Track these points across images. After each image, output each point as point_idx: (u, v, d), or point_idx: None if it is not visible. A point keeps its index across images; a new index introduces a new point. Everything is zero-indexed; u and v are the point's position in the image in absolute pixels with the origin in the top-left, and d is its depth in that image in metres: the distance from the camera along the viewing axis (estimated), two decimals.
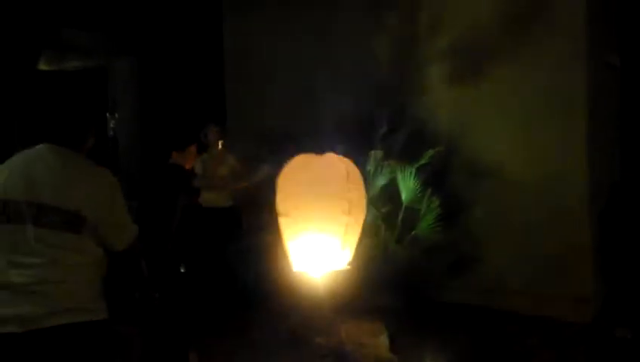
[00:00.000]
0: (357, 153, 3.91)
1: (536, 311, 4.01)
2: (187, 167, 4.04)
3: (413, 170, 3.93)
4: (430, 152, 3.99)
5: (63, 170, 2.19)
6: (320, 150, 3.44)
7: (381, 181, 3.89)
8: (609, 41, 4.61)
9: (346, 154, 3.47)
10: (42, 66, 5.93)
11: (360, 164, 3.86)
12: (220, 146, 4.70)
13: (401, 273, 3.75)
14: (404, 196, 3.87)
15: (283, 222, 3.35)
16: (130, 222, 2.31)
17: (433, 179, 4.05)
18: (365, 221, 3.54)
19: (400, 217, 3.82)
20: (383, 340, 3.53)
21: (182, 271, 4.62)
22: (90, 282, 2.17)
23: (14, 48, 5.20)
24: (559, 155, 4.14)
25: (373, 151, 3.92)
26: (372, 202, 3.79)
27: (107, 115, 6.45)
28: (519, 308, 4.06)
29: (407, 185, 3.90)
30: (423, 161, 3.96)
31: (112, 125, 6.35)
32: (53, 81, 5.98)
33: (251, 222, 4.49)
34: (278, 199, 3.35)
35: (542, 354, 3.58)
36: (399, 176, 3.92)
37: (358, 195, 3.33)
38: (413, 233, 3.88)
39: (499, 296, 4.14)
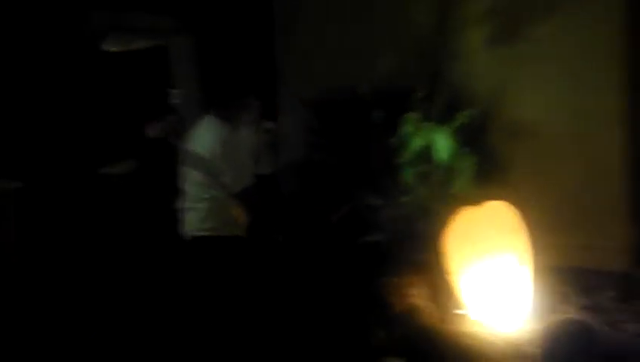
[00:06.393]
0: (395, 116, 4.18)
1: (574, 262, 4.15)
2: None
3: (450, 130, 4.11)
4: (467, 112, 4.15)
5: None
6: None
7: (418, 142, 4.09)
8: None
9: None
10: (109, 48, 6.36)
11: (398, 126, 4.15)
12: None
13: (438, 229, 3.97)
14: (440, 155, 4.06)
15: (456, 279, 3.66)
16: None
17: (471, 140, 4.22)
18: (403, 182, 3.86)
19: (436, 176, 4.02)
20: (423, 291, 3.79)
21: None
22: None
23: (80, 33, 5.64)
24: (597, 113, 4.20)
25: (410, 113, 4.12)
26: (409, 163, 4.03)
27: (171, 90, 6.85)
28: (556, 260, 4.21)
29: (444, 145, 4.09)
30: (460, 121, 4.13)
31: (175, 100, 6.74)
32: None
33: None
34: (446, 258, 3.66)
35: (576, 302, 3.78)
36: (436, 137, 4.11)
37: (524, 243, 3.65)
38: (449, 191, 4.08)
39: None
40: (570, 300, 3.77)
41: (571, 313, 3.43)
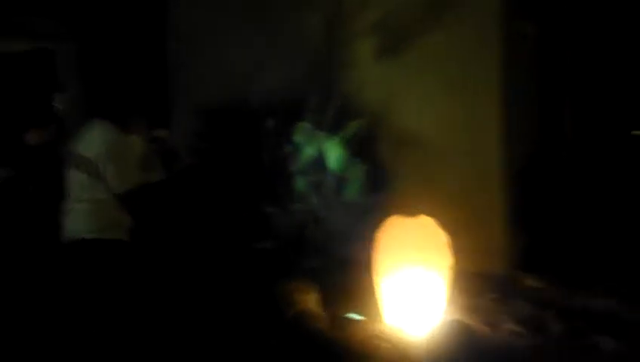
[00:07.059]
0: (287, 125, 4.24)
1: (458, 265, 4.33)
2: None
3: (341, 140, 4.21)
4: (357, 123, 4.27)
5: None
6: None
7: (310, 151, 4.16)
8: (526, 10, 4.89)
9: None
10: None
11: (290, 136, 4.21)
12: None
13: (330, 235, 4.06)
14: (331, 164, 4.16)
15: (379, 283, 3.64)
16: None
17: (361, 149, 4.34)
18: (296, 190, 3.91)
19: (327, 184, 4.10)
20: (313, 297, 3.84)
21: None
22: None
23: None
24: (477, 125, 4.46)
25: (302, 123, 4.19)
26: (301, 172, 4.09)
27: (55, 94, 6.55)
28: None
29: (335, 154, 4.18)
30: (349, 131, 4.24)
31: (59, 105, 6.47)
32: None
33: None
34: (376, 258, 3.64)
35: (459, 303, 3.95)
36: (328, 146, 4.20)
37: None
38: (341, 199, 4.17)
39: None
40: (453, 302, 3.95)
41: (453, 314, 3.58)
